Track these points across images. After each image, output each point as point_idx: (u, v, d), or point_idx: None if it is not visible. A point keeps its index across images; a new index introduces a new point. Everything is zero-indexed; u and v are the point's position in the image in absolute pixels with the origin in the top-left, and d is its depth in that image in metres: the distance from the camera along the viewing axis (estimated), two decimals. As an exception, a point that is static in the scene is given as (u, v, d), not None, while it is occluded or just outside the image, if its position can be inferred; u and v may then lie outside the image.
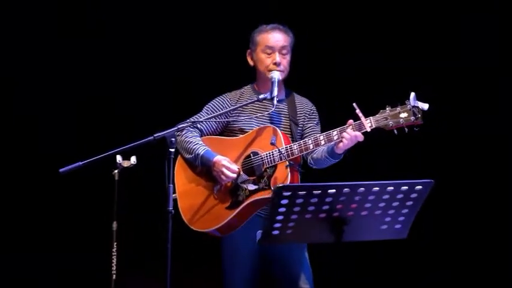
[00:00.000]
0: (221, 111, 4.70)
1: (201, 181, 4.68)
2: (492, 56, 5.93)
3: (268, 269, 4.70)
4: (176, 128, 4.39)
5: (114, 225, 4.73)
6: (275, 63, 4.69)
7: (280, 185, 3.84)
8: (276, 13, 5.48)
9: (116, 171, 4.67)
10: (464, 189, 5.98)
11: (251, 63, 4.82)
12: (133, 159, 4.69)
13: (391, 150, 5.87)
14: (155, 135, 4.25)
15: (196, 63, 6.05)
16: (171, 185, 4.19)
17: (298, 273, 4.62)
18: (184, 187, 4.70)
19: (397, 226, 4.02)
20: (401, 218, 3.99)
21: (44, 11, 5.98)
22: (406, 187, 3.85)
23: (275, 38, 4.73)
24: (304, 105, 4.86)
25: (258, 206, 4.56)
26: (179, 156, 4.72)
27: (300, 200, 3.77)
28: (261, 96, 4.61)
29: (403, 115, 4.29)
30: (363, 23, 6.15)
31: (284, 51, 4.73)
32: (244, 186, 4.56)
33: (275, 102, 4.56)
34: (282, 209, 3.80)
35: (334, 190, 3.77)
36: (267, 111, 4.66)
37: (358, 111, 4.35)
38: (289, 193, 3.74)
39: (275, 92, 4.58)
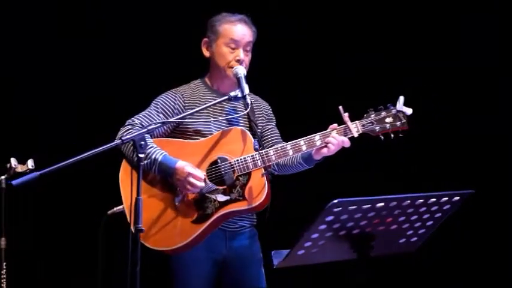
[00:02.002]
0: (189, 112, 4.12)
1: (156, 191, 4.15)
2: (492, 56, 5.94)
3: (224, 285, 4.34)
4: (146, 129, 3.81)
5: (2, 242, 4.25)
6: (238, 61, 4.25)
7: (336, 201, 3.47)
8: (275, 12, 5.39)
9: (3, 177, 4.10)
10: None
11: (206, 54, 4.37)
12: (30, 163, 4.16)
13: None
14: (123, 138, 3.74)
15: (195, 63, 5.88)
16: (140, 198, 3.63)
17: None
18: (134, 199, 3.87)
19: (414, 239, 3.92)
20: (421, 231, 3.88)
21: (44, 11, 5.79)
22: (446, 198, 3.74)
23: (241, 32, 4.30)
24: (261, 104, 4.46)
25: (226, 218, 4.17)
26: (124, 162, 4.17)
27: (344, 216, 3.59)
28: (232, 93, 4.09)
29: (389, 120, 4.19)
30: (362, 23, 6.10)
31: (248, 48, 4.31)
32: (213, 196, 4.09)
33: (248, 101, 4.09)
34: (323, 227, 3.61)
35: (382, 204, 3.60)
36: (224, 110, 4.29)
37: (346, 115, 4.19)
38: (339, 209, 3.52)
39: (246, 90, 4.10)
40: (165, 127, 4.26)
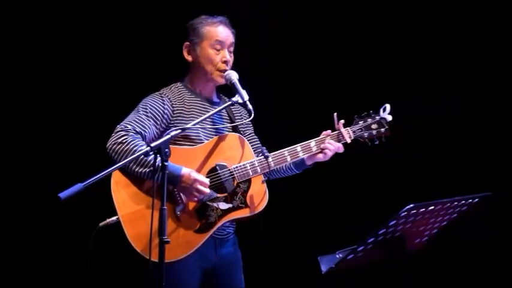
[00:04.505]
0: (203, 117, 3.99)
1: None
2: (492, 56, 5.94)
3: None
4: (170, 136, 3.63)
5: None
6: (225, 62, 4.24)
7: (412, 205, 3.62)
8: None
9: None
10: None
11: (189, 58, 4.31)
12: None
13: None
14: (152, 145, 3.54)
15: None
16: (165, 208, 3.50)
17: None
18: (130, 209, 3.96)
19: (424, 239, 4.14)
20: (434, 231, 4.12)
21: (43, 10, 5.58)
22: (471, 201, 3.99)
23: (226, 33, 4.29)
24: (240, 110, 4.44)
25: (224, 226, 4.19)
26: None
27: (402, 220, 3.74)
28: (234, 99, 4.07)
29: (374, 126, 4.45)
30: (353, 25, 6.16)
31: (231, 49, 4.30)
32: (215, 204, 4.07)
33: (250, 107, 4.05)
34: (382, 231, 3.74)
35: (432, 207, 3.81)
36: (210, 116, 4.16)
37: (341, 122, 4.38)
38: (405, 213, 3.68)
39: (246, 95, 4.07)
40: (156, 132, 4.14)
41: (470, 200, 4.01)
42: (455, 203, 3.96)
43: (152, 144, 3.56)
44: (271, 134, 4.64)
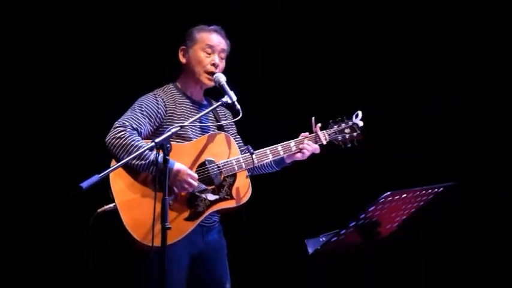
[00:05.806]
0: (198, 115, 4.32)
1: (148, 190, 4.28)
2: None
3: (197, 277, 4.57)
4: (171, 132, 3.96)
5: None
6: (213, 64, 4.53)
7: (389, 192, 4.02)
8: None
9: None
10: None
11: (183, 60, 4.61)
12: None
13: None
14: (156, 141, 3.88)
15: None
16: (167, 198, 3.85)
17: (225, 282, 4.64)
18: (126, 198, 4.24)
19: (395, 225, 4.54)
20: (404, 217, 4.51)
21: (43, 10, 5.73)
22: (436, 190, 4.40)
23: (217, 39, 4.60)
24: (225, 111, 4.74)
25: (212, 215, 4.50)
26: (113, 162, 4.28)
27: (380, 206, 4.15)
28: (224, 99, 4.32)
29: (347, 131, 4.89)
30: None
31: (222, 55, 4.60)
32: (203, 195, 4.39)
33: (238, 107, 4.31)
34: (362, 215, 4.15)
35: (405, 195, 4.24)
36: (202, 116, 4.45)
37: (318, 125, 4.80)
38: (383, 200, 4.10)
39: (234, 96, 4.34)
40: (150, 129, 4.43)
41: (436, 189, 4.45)
42: (423, 191, 4.39)
43: (156, 140, 3.89)
44: (255, 133, 4.89)
